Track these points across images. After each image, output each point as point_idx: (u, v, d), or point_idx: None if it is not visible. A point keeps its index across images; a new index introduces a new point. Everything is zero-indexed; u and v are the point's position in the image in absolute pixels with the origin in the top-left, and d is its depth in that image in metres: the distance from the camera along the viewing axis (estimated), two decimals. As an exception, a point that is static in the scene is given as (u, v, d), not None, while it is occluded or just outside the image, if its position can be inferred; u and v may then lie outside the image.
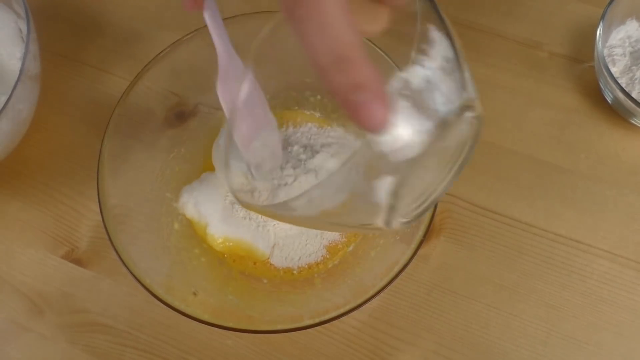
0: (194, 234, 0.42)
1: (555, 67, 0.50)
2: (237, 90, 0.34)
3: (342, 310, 0.33)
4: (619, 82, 0.44)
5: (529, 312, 0.42)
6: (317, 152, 0.43)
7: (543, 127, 0.48)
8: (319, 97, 0.46)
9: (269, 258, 0.41)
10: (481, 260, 0.44)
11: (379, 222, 0.27)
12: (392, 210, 0.26)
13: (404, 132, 0.23)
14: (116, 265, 0.37)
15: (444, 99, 0.24)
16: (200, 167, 0.44)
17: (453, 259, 0.44)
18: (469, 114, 0.25)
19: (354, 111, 0.20)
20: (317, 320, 0.32)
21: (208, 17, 0.35)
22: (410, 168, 0.24)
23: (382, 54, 0.39)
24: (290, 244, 0.41)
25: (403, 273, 0.43)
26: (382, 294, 0.42)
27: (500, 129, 0.48)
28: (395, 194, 0.25)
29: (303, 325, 0.32)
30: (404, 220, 0.28)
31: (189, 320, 0.35)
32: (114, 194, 0.38)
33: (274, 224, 0.40)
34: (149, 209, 0.41)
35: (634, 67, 0.46)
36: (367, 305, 0.42)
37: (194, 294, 0.40)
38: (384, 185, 0.25)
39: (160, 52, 0.42)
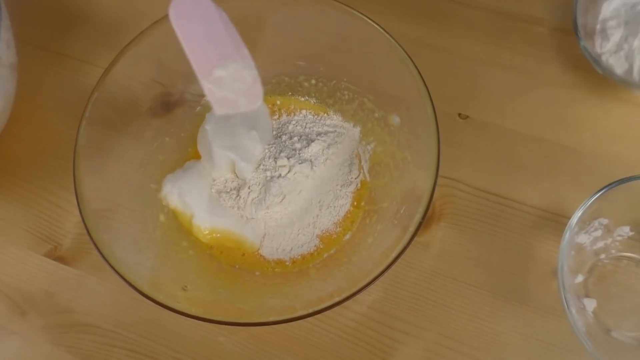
0: (180, 226, 0.39)
1: (556, 43, 0.48)
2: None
3: (336, 299, 0.31)
4: (618, 55, 0.42)
5: (538, 299, 0.40)
6: (313, 140, 0.41)
7: (545, 105, 0.46)
8: (313, 81, 0.44)
9: (258, 249, 0.39)
10: (484, 246, 0.41)
11: None
12: None
13: None
14: (101, 262, 0.35)
15: None
16: (186, 156, 0.42)
17: (455, 246, 0.42)
18: None
19: None
20: (310, 311, 0.30)
21: None
22: None
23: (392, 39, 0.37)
24: (281, 234, 0.39)
25: (402, 261, 0.40)
26: (381, 284, 0.41)
27: (500, 109, 0.46)
28: None
29: (296, 316, 0.30)
30: None
31: (179, 317, 0.33)
32: (94, 187, 0.36)
33: (264, 213, 0.38)
34: (133, 201, 0.39)
35: (630, 38, 0.43)
36: (366, 296, 0.41)
37: (184, 288, 0.38)
38: None
39: (140, 34, 0.40)
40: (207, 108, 0.43)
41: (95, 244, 0.34)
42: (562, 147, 0.44)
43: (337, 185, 0.41)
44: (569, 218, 0.41)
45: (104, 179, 0.38)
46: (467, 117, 0.46)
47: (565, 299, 0.34)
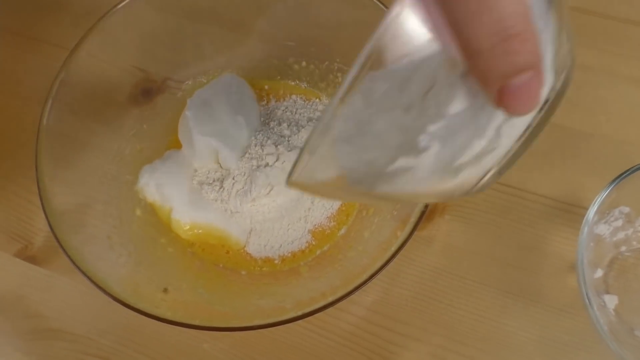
0: (159, 221, 0.36)
1: (566, 22, 0.44)
2: None
3: (330, 299, 0.27)
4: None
5: (552, 297, 0.36)
6: (303, 127, 0.38)
7: (556, 87, 0.42)
8: (304, 63, 0.41)
9: (244, 247, 0.36)
10: (493, 240, 0.38)
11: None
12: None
13: None
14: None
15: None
16: (165, 145, 0.39)
17: (460, 240, 0.38)
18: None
19: (510, 96, 0.16)
20: (300, 313, 0.27)
21: None
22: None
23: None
24: (269, 229, 0.36)
25: (403, 257, 0.38)
26: (380, 283, 0.37)
27: (508, 92, 0.42)
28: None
29: (285, 318, 0.27)
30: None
31: (157, 322, 0.30)
32: (60, 181, 0.33)
33: (250, 206, 0.35)
34: (105, 195, 0.35)
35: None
36: (364, 297, 0.37)
37: (164, 290, 0.34)
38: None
39: (109, 11, 0.36)
40: (189, 93, 0.40)
41: (60, 244, 0.30)
42: (575, 131, 0.41)
43: (330, 175, 0.38)
44: (585, 208, 0.38)
45: (73, 170, 0.34)
46: (471, 101, 0.42)
47: (587, 296, 0.30)
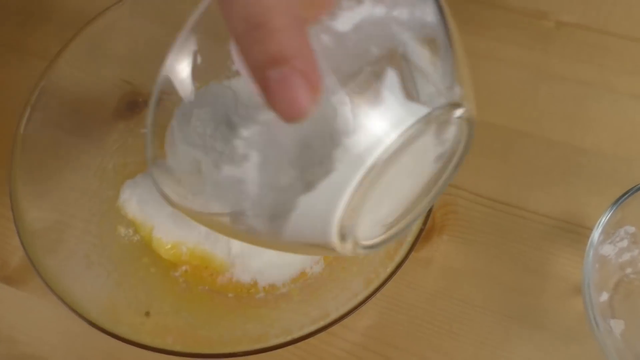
0: (141, 239, 0.34)
1: (564, 37, 0.43)
2: None
3: (321, 324, 0.25)
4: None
5: (557, 322, 0.34)
6: None
7: (556, 103, 0.41)
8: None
9: (230, 269, 0.34)
10: (493, 262, 0.36)
11: (333, 242, 0.19)
12: (348, 230, 0.19)
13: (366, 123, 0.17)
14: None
15: (427, 83, 0.19)
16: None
17: (459, 262, 0.37)
18: (457, 112, 0.20)
19: (268, 92, 0.15)
20: (288, 339, 0.25)
21: None
22: (371, 174, 0.18)
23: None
24: (258, 252, 0.33)
25: (400, 280, 0.36)
26: (376, 307, 0.35)
27: (506, 107, 0.41)
28: (351, 208, 0.18)
29: (271, 345, 0.25)
30: (367, 243, 0.21)
31: (140, 349, 0.28)
32: (36, 195, 0.31)
33: None
34: (86, 212, 0.34)
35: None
36: (358, 321, 0.35)
37: (147, 314, 0.32)
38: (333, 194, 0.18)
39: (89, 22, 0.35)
40: (178, 105, 0.38)
41: (33, 264, 0.29)
42: (576, 148, 0.39)
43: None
44: (588, 228, 0.37)
45: (51, 184, 0.33)
46: (469, 117, 0.41)
47: (595, 321, 0.28)
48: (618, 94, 0.41)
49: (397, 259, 0.28)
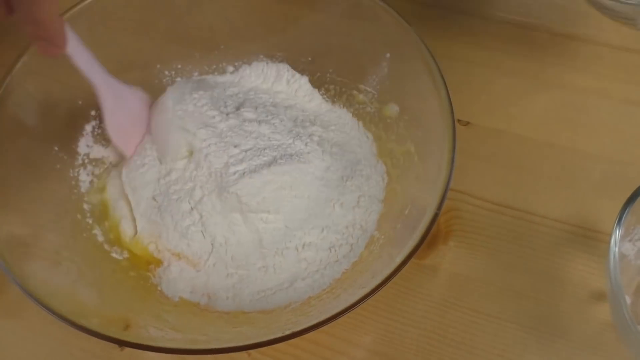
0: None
1: (558, 47, 0.43)
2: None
3: (314, 321, 0.22)
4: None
5: (577, 331, 0.32)
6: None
7: (557, 110, 0.40)
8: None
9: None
10: (504, 269, 0.34)
11: None
12: None
13: None
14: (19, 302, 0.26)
15: None
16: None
17: (468, 269, 0.34)
18: None
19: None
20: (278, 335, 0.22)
21: (76, 56, 0.30)
22: None
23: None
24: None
25: (406, 289, 0.33)
26: (381, 320, 0.32)
27: (504, 114, 0.40)
28: None
29: (261, 341, 0.22)
30: None
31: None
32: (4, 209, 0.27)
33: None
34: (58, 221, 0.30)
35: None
36: (363, 336, 0.32)
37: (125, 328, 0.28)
38: None
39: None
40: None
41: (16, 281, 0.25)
42: (580, 152, 0.38)
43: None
44: (600, 232, 0.35)
45: (19, 195, 0.29)
46: (468, 123, 0.40)
47: (630, 322, 0.26)
48: (616, 101, 0.40)
49: (395, 263, 0.26)
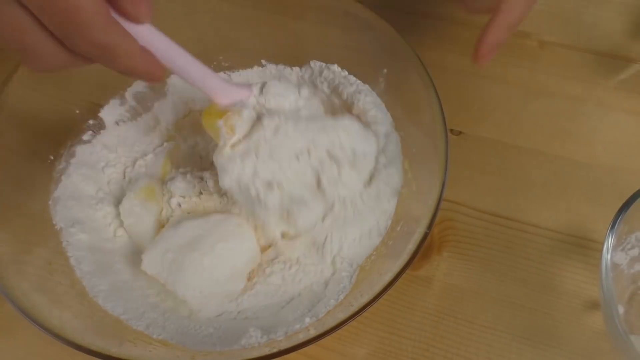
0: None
1: (548, 56, 0.44)
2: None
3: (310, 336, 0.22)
4: None
5: (571, 340, 0.32)
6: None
7: (548, 118, 0.41)
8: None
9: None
10: (498, 279, 0.34)
11: None
12: None
13: None
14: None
15: None
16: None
17: (462, 279, 0.34)
18: None
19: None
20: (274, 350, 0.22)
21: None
22: None
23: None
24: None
25: (400, 301, 0.33)
26: (376, 332, 0.32)
27: (496, 123, 0.40)
28: None
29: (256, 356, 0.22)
30: None
31: None
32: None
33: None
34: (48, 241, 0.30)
35: None
36: (359, 348, 0.32)
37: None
38: None
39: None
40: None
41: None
42: (572, 161, 0.38)
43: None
44: (593, 240, 0.35)
45: (11, 213, 0.29)
46: (460, 132, 0.40)
47: (621, 335, 0.26)
48: (608, 109, 0.41)
49: (388, 276, 0.26)
